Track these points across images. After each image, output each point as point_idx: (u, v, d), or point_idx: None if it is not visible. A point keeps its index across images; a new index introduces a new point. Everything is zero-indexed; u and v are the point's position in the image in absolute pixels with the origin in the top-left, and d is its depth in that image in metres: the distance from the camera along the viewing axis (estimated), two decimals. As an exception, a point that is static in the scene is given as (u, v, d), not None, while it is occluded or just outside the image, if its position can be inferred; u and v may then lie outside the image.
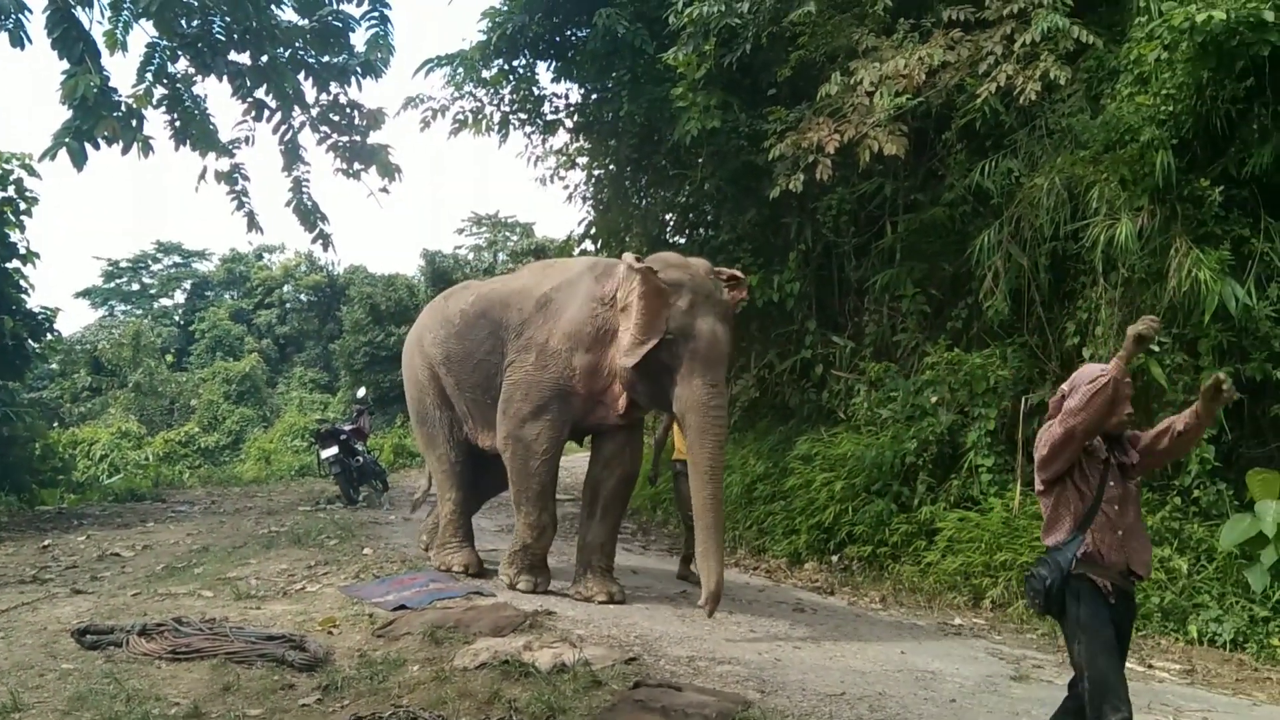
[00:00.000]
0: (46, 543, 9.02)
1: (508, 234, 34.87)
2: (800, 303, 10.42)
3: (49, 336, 14.26)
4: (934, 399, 8.53)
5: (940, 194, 9.37)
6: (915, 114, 8.99)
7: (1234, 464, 6.99)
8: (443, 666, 4.76)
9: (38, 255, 13.59)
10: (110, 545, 8.79)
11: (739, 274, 6.70)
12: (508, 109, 12.06)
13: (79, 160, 7.80)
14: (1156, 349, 6.96)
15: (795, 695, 4.48)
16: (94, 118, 7.51)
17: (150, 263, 39.40)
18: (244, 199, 11.09)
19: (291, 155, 10.97)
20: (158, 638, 5.25)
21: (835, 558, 8.59)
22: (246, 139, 10.55)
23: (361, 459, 12.53)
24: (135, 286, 39.41)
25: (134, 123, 8.11)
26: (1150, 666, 5.63)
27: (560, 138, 13.23)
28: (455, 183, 78.90)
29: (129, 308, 38.81)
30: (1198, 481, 6.79)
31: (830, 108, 8.84)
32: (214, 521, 10.67)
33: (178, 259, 39.83)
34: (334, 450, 12.11)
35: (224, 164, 10.72)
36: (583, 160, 13.05)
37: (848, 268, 10.45)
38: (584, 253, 15.08)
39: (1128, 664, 5.60)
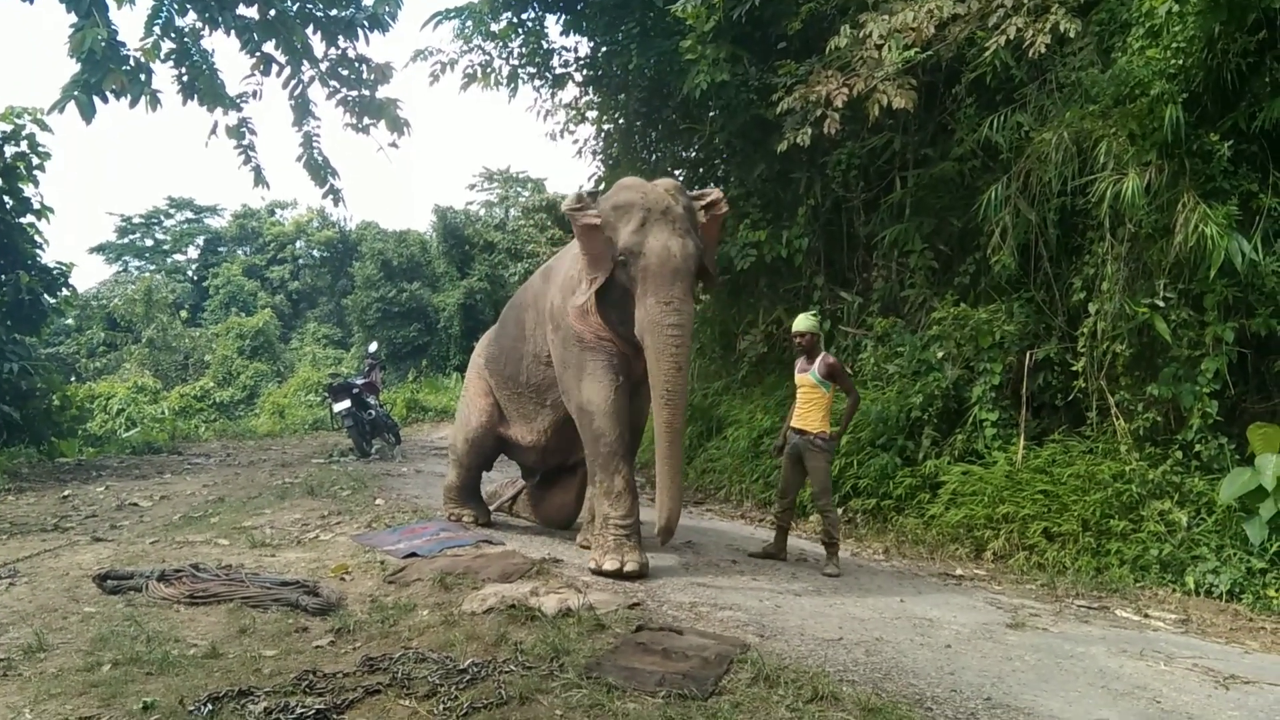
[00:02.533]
0: (66, 493, 9.23)
1: (519, 189, 34.80)
2: (809, 258, 10.44)
3: (64, 292, 14.43)
4: (940, 354, 8.59)
5: (949, 149, 9.35)
6: (925, 67, 8.93)
7: (1236, 419, 7.03)
8: (451, 611, 4.89)
9: (51, 210, 13.74)
10: (129, 496, 8.99)
11: (713, 192, 6.31)
12: (516, 62, 12.01)
13: (88, 113, 7.93)
14: (1162, 304, 7.00)
15: (793, 640, 4.59)
16: (102, 71, 7.63)
17: (163, 218, 39.53)
18: (251, 153, 11.24)
19: (301, 110, 11.07)
20: (176, 583, 5.40)
21: (840, 510, 8.70)
22: (254, 93, 10.68)
23: (374, 412, 12.70)
24: (149, 242, 39.58)
25: (142, 76, 8.25)
26: (1146, 616, 5.73)
27: (570, 92, 13.21)
28: (466, 138, 78.62)
29: (143, 263, 39.00)
30: (1199, 436, 6.84)
31: (839, 61, 8.78)
32: (229, 473, 10.87)
33: (190, 214, 39.95)
34: (346, 404, 12.28)
35: (232, 118, 10.84)
36: (592, 114, 13.00)
37: (856, 223, 10.45)
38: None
39: (1123, 613, 5.78)
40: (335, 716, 3.55)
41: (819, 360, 6.56)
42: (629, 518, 5.81)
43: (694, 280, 5.89)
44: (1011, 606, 5.82)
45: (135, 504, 8.59)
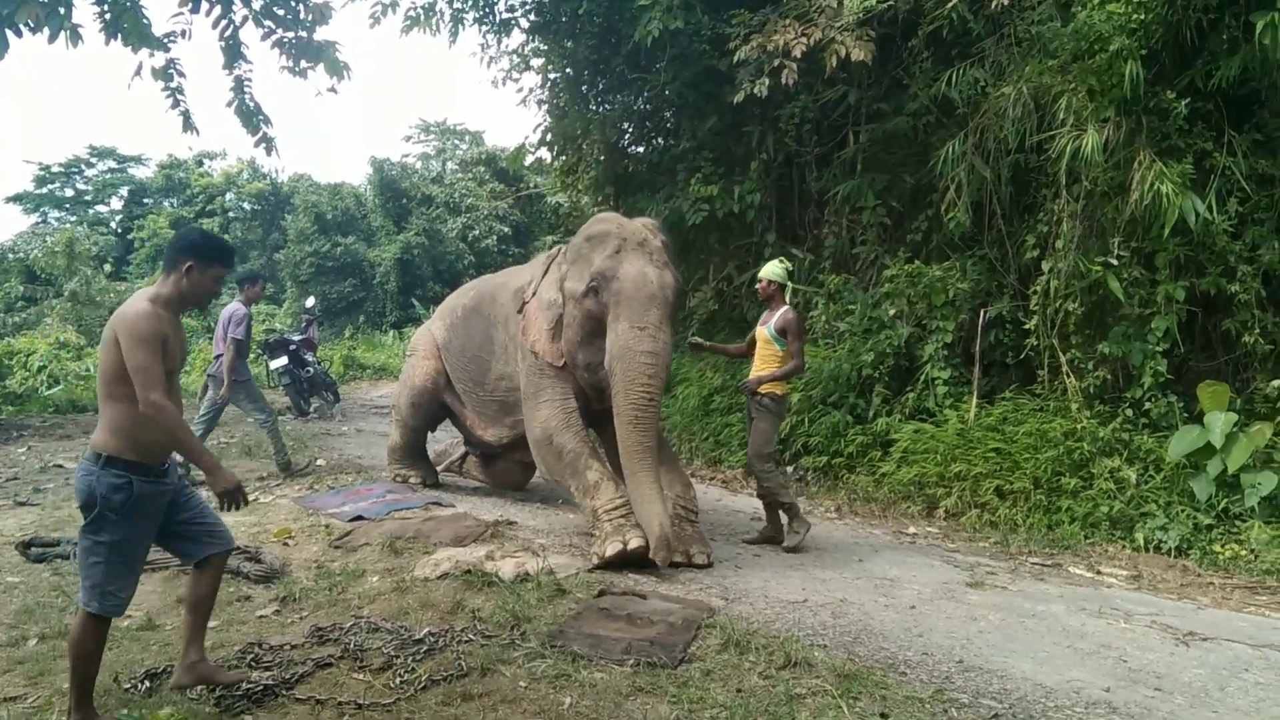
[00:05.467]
0: (-15, 454, 8.78)
1: (456, 142, 34.00)
2: (760, 214, 10.28)
3: (-23, 241, 13.66)
4: (892, 312, 8.54)
5: (904, 104, 9.24)
6: (882, 20, 8.78)
7: (1184, 377, 7.10)
8: (403, 577, 4.70)
9: (-38, 155, 12.95)
10: (53, 457, 8.57)
11: None
12: (460, 5, 11.55)
13: (0, 47, 7.36)
14: (1115, 263, 7.00)
15: (758, 602, 4.50)
16: (15, 3, 7.06)
17: (84, 168, 37.81)
18: (179, 97, 10.61)
19: (232, 52, 10.48)
20: (106, 549, 5.11)
21: (791, 468, 8.65)
22: (183, 33, 10.02)
23: (311, 370, 12.32)
24: (69, 192, 37.87)
25: (60, 9, 7.66)
26: (1099, 572, 5.76)
27: (515, 39, 12.78)
28: (403, 88, 76.85)
29: (63, 214, 37.36)
30: (1149, 394, 6.88)
31: (796, 10, 8.58)
32: (161, 433, 10.44)
33: (113, 164, 38.27)
34: (283, 361, 11.89)
35: (159, 59, 10.23)
36: (538, 63, 12.59)
37: (809, 178, 10.32)
38: (538, 161, 14.71)
39: (1076, 570, 5.80)
40: (284, 692, 3.34)
41: (778, 314, 6.16)
42: (615, 499, 5.29)
43: (671, 314, 5.56)
44: (968, 565, 5.81)
45: (60, 465, 8.18)
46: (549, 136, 12.68)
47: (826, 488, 8.14)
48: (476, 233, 27.49)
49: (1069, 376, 7.49)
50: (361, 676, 3.50)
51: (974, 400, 7.84)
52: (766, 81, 8.49)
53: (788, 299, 6.28)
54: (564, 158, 12.99)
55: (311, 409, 12.21)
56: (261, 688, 3.35)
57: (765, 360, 6.21)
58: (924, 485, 7.56)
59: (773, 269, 6.25)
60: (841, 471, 8.16)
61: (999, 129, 7.85)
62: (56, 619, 4.16)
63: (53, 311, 24.81)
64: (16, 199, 36.81)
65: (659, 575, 4.89)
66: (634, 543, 5.00)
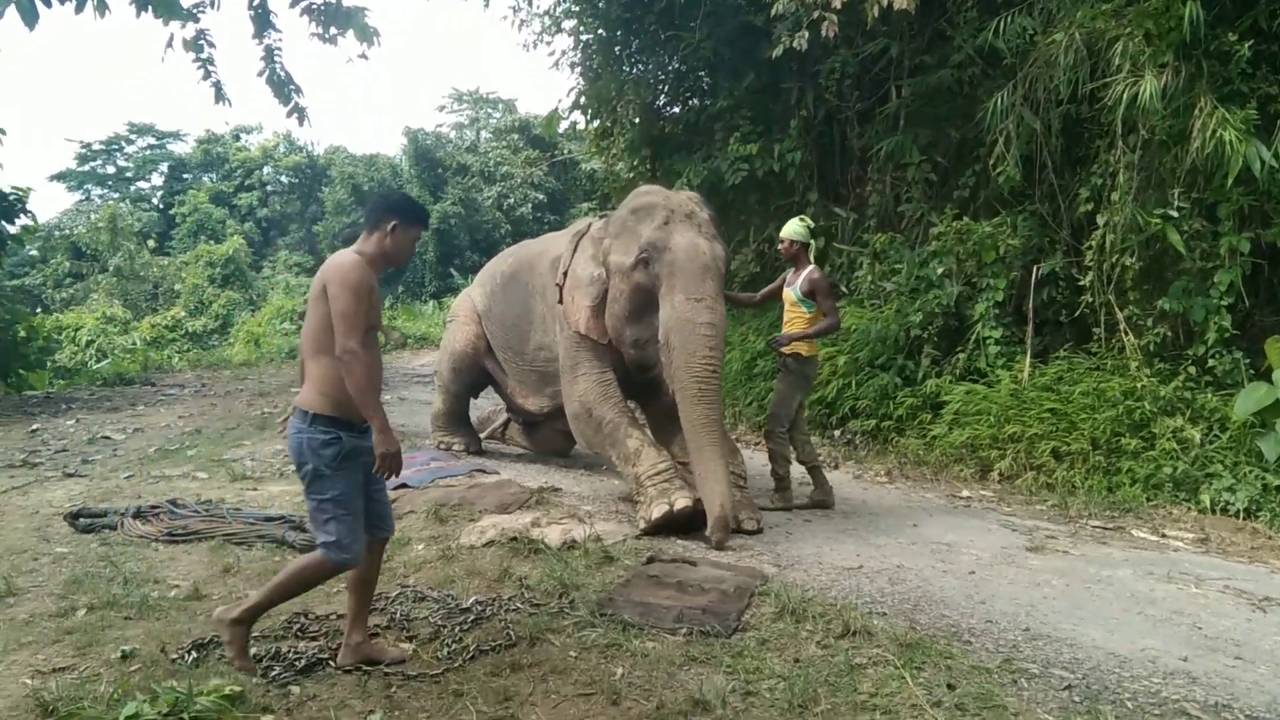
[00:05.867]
0: (35, 427, 8.86)
1: (490, 111, 33.86)
2: (801, 173, 10.06)
3: (22, 219, 13.76)
4: (940, 270, 8.31)
5: (948, 56, 8.94)
6: (925, -32, 8.47)
7: (1249, 332, 6.83)
8: (449, 545, 4.64)
9: (3, 132, 13.02)
10: (100, 429, 8.64)
11: None
12: (492, -33, 11.36)
13: (30, 18, 7.34)
14: (1175, 215, 6.72)
15: (812, 569, 4.38)
16: (45, -28, 7.01)
17: (124, 144, 38.17)
18: (210, 68, 10.64)
19: (262, 21, 10.46)
20: (153, 520, 5.12)
21: (838, 432, 8.51)
22: (211, 2, 10.02)
23: (352, 340, 12.30)
24: (110, 170, 38.30)
25: (89, -22, 7.61)
26: (1164, 535, 5.56)
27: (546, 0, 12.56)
28: (435, 56, 76.67)
29: (105, 191, 37.82)
30: (1213, 350, 6.63)
31: (837, -40, 8.29)
32: (205, 404, 10.52)
33: (152, 140, 38.59)
34: (324, 330, 11.88)
35: (189, 31, 10.21)
36: (570, 24, 12.38)
37: (850, 135, 10.07)
38: (572, 126, 14.54)
39: (1140, 533, 5.61)
40: (331, 663, 3.28)
41: (803, 275, 5.98)
42: (658, 463, 5.16)
43: (723, 286, 5.37)
44: (1026, 529, 5.64)
45: (108, 437, 8.23)
46: (582, 100, 12.47)
47: (876, 451, 7.98)
48: (512, 201, 27.47)
49: (1127, 334, 7.25)
50: (408, 646, 3.43)
51: (1027, 360, 7.62)
52: (806, 35, 8.23)
53: (811, 258, 6.11)
54: (598, 121, 12.77)
55: (353, 379, 12.22)
56: (308, 657, 3.29)
57: (793, 323, 6.06)
58: (976, 448, 7.37)
59: (794, 228, 6.07)
60: (891, 435, 7.99)
61: (1049, 78, 7.55)
62: (105, 589, 4.13)
63: (99, 287, 25.19)
64: (60, 177, 37.32)
65: (709, 543, 4.78)
66: (680, 503, 4.88)
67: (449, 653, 3.34)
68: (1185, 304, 6.75)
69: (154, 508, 5.25)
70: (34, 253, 29.54)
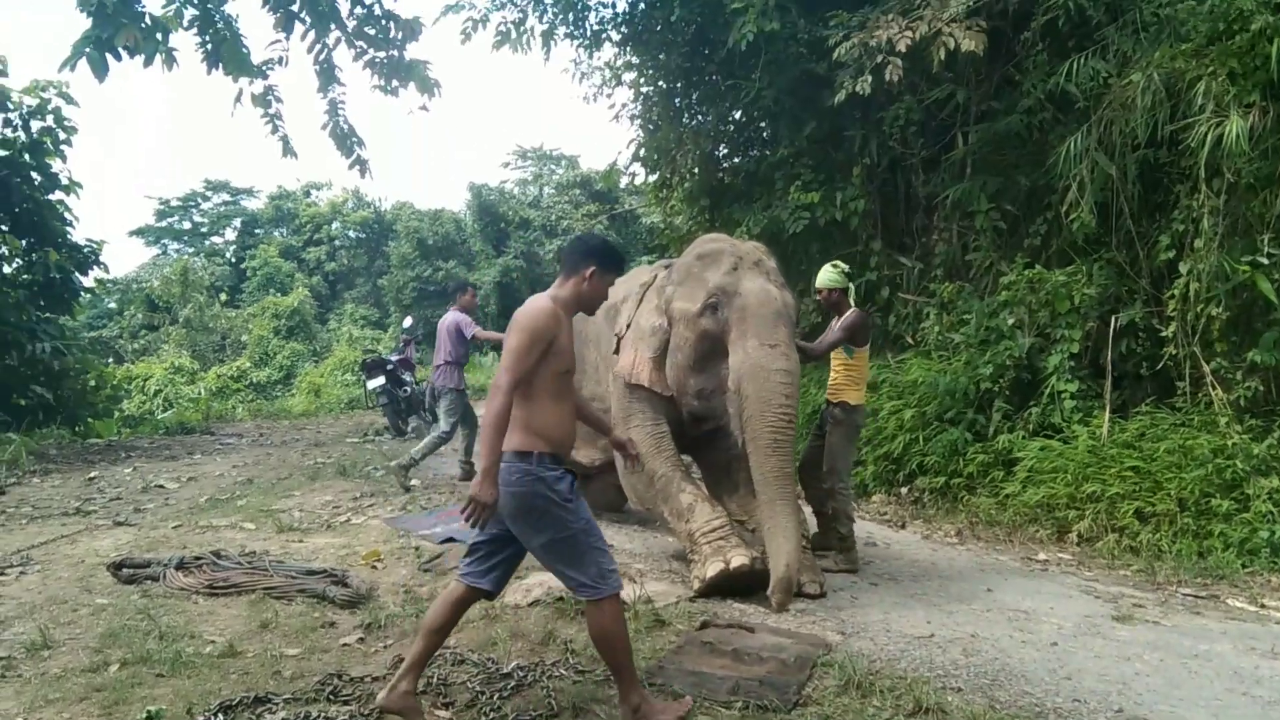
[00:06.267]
0: (93, 475, 8.90)
1: (553, 167, 34.31)
2: (864, 221, 9.82)
3: (96, 270, 14.12)
4: (1011, 321, 7.96)
5: (1016, 101, 8.67)
6: (991, 14, 8.28)
7: (1355, 386, 6.39)
8: (493, 604, 4.41)
9: (80, 186, 13.46)
10: (155, 477, 8.64)
11: None
12: (551, 19, 11.43)
13: (100, 70, 7.52)
14: (1265, 261, 6.34)
15: (879, 637, 4.07)
16: (114, 26, 7.19)
17: (200, 201, 39.43)
18: (278, 123, 10.85)
19: (327, 75, 10.64)
20: (195, 572, 5.00)
21: (905, 489, 8.14)
22: (280, 59, 10.27)
23: (409, 389, 12.28)
24: (186, 225, 39.53)
25: (158, 35, 7.81)
26: (1263, 606, 5.13)
27: (607, 52, 12.60)
28: (498, 110, 78.35)
29: (181, 246, 38.98)
30: (1313, 405, 6.20)
31: (900, 5, 8.13)
32: (260, 453, 10.51)
33: (226, 197, 39.81)
34: (380, 380, 11.88)
35: (258, 87, 10.47)
36: (630, 77, 12.39)
37: (915, 183, 9.81)
38: (631, 178, 14.54)
39: (1236, 602, 5.19)
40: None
41: (843, 318, 5.79)
42: (712, 519, 4.90)
43: (794, 336, 5.14)
44: (1110, 595, 5.25)
45: (161, 486, 8.22)
46: (642, 152, 12.43)
47: (945, 510, 7.59)
48: (572, 254, 27.57)
49: (1214, 388, 6.83)
50: (444, 714, 3.22)
51: (1106, 415, 7.21)
52: (869, 79, 8.05)
53: (852, 302, 5.89)
54: (658, 173, 12.71)
55: (410, 429, 12.17)
56: (338, 725, 3.09)
57: (837, 371, 5.86)
58: (1053, 507, 6.96)
59: (828, 275, 5.85)
60: (961, 493, 7.60)
61: (1125, 121, 7.25)
62: (140, 643, 4.01)
63: (169, 338, 25.79)
64: (139, 233, 38.62)
65: (766, 604, 4.49)
66: (736, 561, 4.59)
67: (486, 721, 3.11)
68: (1278, 356, 6.33)
69: (197, 559, 5.14)
70: (112, 305, 30.48)
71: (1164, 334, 7.07)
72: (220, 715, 3.23)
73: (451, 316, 8.59)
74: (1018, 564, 6.10)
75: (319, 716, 3.18)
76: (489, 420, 3.01)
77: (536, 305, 3.16)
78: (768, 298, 4.93)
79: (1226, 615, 4.96)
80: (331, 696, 3.38)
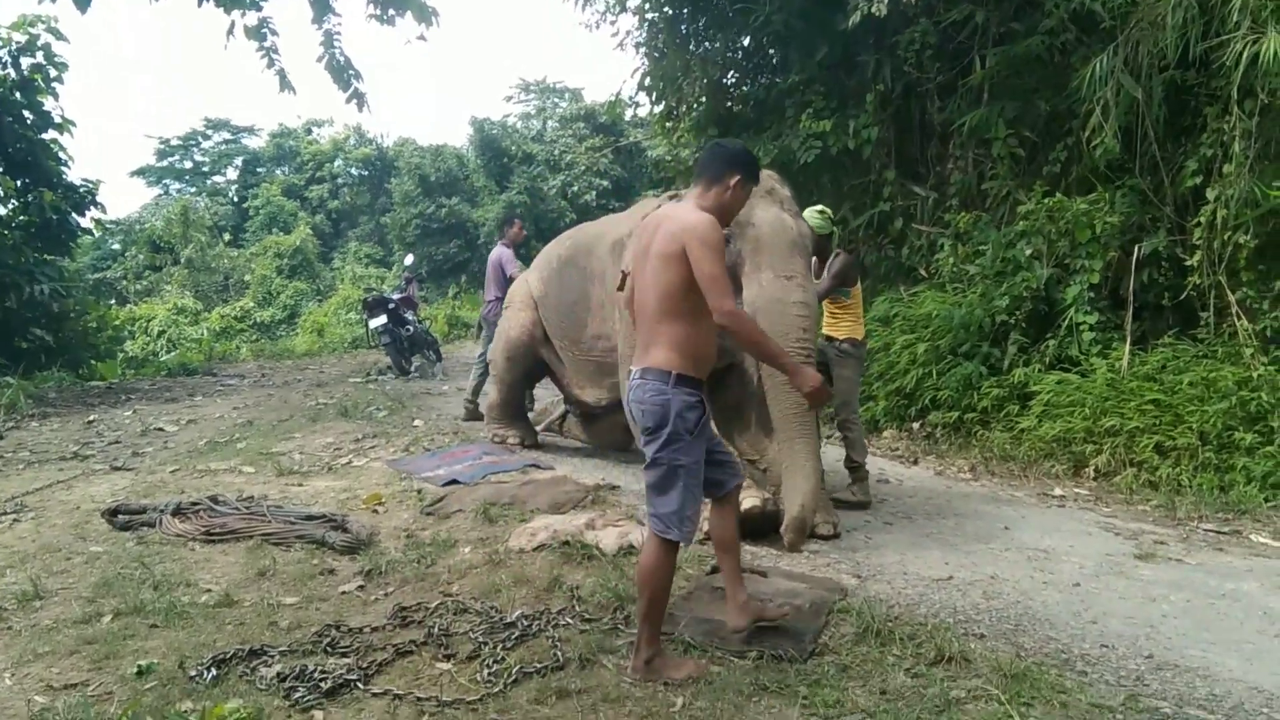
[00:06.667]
0: (92, 418, 8.78)
1: (556, 100, 33.65)
2: (878, 150, 9.51)
3: (93, 210, 13.86)
4: (1029, 251, 7.72)
5: (1038, 21, 8.30)
6: (1013, -71, 7.88)
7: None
8: (496, 548, 4.29)
9: (74, 124, 13.15)
10: (155, 420, 8.51)
11: None
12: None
13: (82, 3, 7.24)
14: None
15: (896, 580, 3.92)
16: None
17: (200, 140, 38.89)
18: (274, 56, 10.51)
19: (321, 5, 10.26)
20: (192, 517, 4.87)
21: (917, 425, 7.98)
22: (271, -12, 9.84)
23: (412, 328, 12.11)
24: (188, 164, 39.06)
25: (141, -40, 7.45)
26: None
27: (612, -24, 12.12)
28: (499, 43, 76.97)
29: (183, 186, 38.57)
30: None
31: (918, -80, 7.75)
32: (261, 395, 10.38)
33: (227, 135, 39.26)
34: (382, 319, 11.69)
35: (251, 19, 10.13)
36: (634, 2, 11.95)
37: (930, 110, 9.48)
38: (636, 109, 14.16)
39: (1260, 538, 5.05)
40: (359, 686, 2.95)
41: (830, 265, 5.63)
42: None
43: (810, 266, 4.87)
44: (1130, 533, 5.11)
45: (161, 429, 8.10)
46: (647, 80, 12.03)
47: (959, 445, 7.43)
48: (576, 189, 27.22)
49: (1240, 318, 6.62)
50: (446, 666, 3.09)
51: (1127, 347, 7.01)
52: (884, 1, 7.69)
53: (833, 245, 5.75)
54: (663, 102, 12.32)
55: (413, 368, 12.02)
56: (334, 678, 2.96)
57: (834, 313, 5.73)
58: (1069, 442, 6.80)
59: (814, 222, 5.52)
60: (975, 428, 7.43)
61: (1154, 40, 6.91)
62: (134, 593, 3.89)
63: (172, 279, 25.59)
64: (140, 173, 38.21)
65: (778, 547, 4.35)
66: (747, 503, 4.37)
67: (489, 674, 2.98)
68: (1308, 284, 6.12)
69: (194, 504, 5.01)
70: (116, 246, 30.24)
71: (1188, 263, 6.84)
72: (213, 669, 3.10)
73: (497, 252, 8.70)
74: (1034, 500, 5.95)
75: (316, 669, 3.04)
76: (757, 337, 3.10)
77: (703, 220, 2.98)
78: (782, 227, 4.69)
79: (1250, 552, 4.82)
80: (329, 648, 3.25)
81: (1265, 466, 5.86)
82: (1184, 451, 6.22)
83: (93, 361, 13.57)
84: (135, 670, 3.13)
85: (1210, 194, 6.69)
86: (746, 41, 11.26)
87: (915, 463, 7.16)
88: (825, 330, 5.72)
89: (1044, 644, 3.20)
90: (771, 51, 11.18)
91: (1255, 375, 6.18)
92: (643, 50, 12.11)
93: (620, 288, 5.42)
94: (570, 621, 3.36)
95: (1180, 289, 7.04)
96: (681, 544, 2.99)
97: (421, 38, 8.73)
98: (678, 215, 3.05)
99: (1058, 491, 6.27)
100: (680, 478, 2.97)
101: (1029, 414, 7.08)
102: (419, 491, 5.48)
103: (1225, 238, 6.58)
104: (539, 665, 3.00)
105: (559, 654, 3.07)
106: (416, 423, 7.84)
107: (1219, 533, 5.21)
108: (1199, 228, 6.74)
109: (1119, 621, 3.49)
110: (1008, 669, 2.85)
